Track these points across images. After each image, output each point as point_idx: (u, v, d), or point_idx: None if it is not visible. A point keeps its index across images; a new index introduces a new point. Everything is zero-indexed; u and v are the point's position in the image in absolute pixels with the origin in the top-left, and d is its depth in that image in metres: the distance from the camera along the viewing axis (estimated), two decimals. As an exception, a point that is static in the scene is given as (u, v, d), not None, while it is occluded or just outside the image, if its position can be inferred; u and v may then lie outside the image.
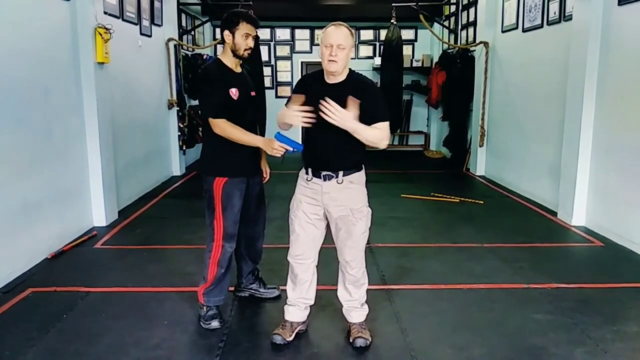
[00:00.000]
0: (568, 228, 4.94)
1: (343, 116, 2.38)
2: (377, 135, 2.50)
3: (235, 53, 2.85)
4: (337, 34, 2.48)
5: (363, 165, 2.68)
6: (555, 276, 3.69)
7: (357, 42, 10.37)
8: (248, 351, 2.72)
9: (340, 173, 2.57)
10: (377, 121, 2.51)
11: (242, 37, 2.82)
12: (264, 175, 3.19)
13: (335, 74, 2.52)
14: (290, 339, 2.77)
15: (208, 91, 2.82)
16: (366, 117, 2.48)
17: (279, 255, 4.14)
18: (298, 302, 2.80)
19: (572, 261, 4.16)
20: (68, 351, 2.69)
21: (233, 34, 2.82)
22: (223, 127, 2.77)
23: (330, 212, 2.63)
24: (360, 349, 2.72)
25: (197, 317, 3.03)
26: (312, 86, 2.60)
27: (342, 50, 2.46)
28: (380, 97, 2.59)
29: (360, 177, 2.65)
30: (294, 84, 10.18)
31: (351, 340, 2.76)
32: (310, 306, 2.88)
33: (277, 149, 2.63)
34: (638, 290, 3.48)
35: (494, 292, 3.46)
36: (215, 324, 2.94)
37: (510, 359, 2.64)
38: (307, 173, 2.65)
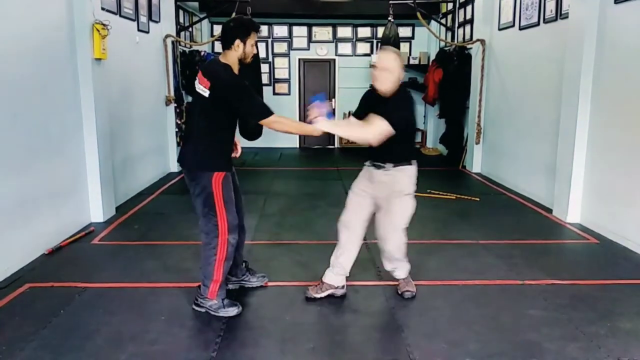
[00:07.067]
0: (563, 225, 4.97)
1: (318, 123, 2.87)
2: (363, 132, 2.89)
3: (242, 60, 2.94)
4: (381, 56, 2.93)
5: (414, 161, 3.11)
6: (549, 273, 3.72)
7: (354, 40, 10.39)
8: (245, 346, 2.74)
9: (389, 165, 3.04)
10: (380, 117, 2.83)
11: (252, 46, 2.93)
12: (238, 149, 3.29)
13: (380, 92, 2.97)
14: (319, 295, 3.20)
15: (250, 95, 2.86)
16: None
17: (276, 252, 4.18)
18: (335, 264, 3.20)
19: (567, 258, 4.19)
20: (65, 346, 2.70)
21: (244, 43, 2.89)
22: (282, 120, 2.93)
23: (377, 194, 3.10)
24: (356, 345, 2.75)
25: (194, 313, 3.05)
26: (369, 97, 3.13)
27: (383, 71, 2.88)
28: (400, 106, 2.92)
29: (407, 169, 3.08)
30: (292, 80, 10.20)
31: (399, 292, 3.29)
32: (346, 277, 3.26)
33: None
34: (632, 287, 3.52)
35: (489, 289, 3.48)
36: (234, 309, 3.03)
37: (505, 354, 2.66)
38: (367, 161, 3.18)
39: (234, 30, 2.90)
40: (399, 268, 3.29)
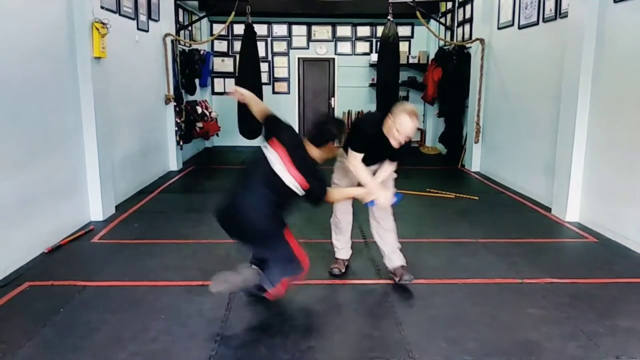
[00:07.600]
0: (562, 224, 4.97)
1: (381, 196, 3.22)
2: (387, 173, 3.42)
3: (323, 158, 3.03)
4: (409, 128, 3.06)
5: None
6: (549, 271, 3.72)
7: (354, 39, 10.38)
8: (245, 345, 2.74)
9: None
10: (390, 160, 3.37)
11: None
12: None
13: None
14: (343, 270, 3.64)
15: (324, 187, 2.98)
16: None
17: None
18: (344, 245, 3.69)
19: (566, 257, 4.20)
20: (65, 345, 2.70)
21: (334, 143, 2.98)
22: (334, 192, 3.09)
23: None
24: (356, 344, 2.76)
25: (193, 311, 3.07)
26: (375, 135, 3.20)
27: (406, 137, 3.10)
28: (402, 153, 3.29)
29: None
30: (292, 79, 10.09)
31: (398, 280, 3.42)
32: (351, 247, 3.74)
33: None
34: (631, 286, 3.52)
35: (488, 287, 3.49)
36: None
37: (504, 352, 2.67)
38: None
39: (333, 132, 2.95)
40: (396, 252, 3.51)
